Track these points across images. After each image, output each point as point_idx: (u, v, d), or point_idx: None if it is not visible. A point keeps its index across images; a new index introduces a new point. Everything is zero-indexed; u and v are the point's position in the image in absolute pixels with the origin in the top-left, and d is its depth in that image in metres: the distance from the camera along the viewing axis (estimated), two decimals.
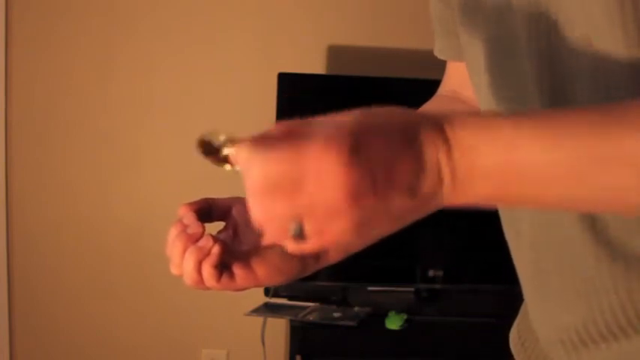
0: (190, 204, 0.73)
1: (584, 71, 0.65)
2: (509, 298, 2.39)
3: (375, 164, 0.49)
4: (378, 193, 0.49)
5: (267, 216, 0.51)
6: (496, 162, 0.50)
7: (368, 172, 0.49)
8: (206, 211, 0.74)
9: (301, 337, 2.22)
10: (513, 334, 0.90)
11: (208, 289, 0.72)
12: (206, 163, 2.30)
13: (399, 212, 0.51)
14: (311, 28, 2.60)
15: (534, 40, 0.68)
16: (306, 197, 0.49)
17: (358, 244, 0.54)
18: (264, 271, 0.71)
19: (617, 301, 0.68)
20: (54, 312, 2.62)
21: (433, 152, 0.50)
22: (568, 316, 0.73)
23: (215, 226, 0.74)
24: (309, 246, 0.51)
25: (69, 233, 2.60)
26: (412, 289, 2.46)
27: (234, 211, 0.76)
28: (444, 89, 0.98)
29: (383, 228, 0.52)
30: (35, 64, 2.55)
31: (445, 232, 2.37)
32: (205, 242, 0.69)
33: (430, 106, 0.96)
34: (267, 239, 0.53)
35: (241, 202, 0.77)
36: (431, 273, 2.40)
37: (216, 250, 0.68)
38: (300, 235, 0.49)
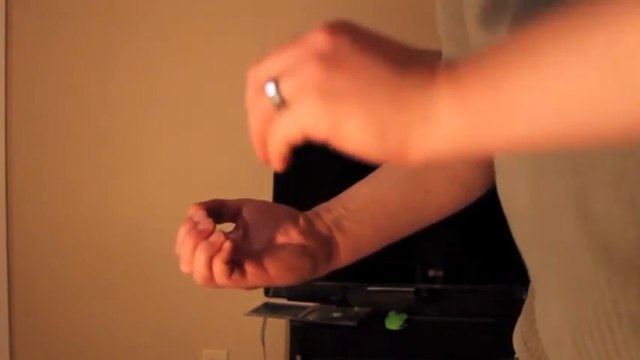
0: (201, 203, 0.73)
1: None
2: (509, 298, 2.40)
3: (359, 36, 0.48)
4: (357, 50, 0.47)
5: (251, 80, 0.50)
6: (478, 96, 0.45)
7: (350, 34, 0.48)
8: (216, 211, 0.74)
9: (301, 337, 2.22)
10: (516, 334, 0.91)
11: (218, 287, 0.71)
12: (205, 163, 2.32)
13: (373, 85, 0.45)
14: (311, 28, 2.60)
15: None
16: (286, 57, 0.49)
17: (328, 121, 0.46)
18: (275, 268, 0.71)
19: (610, 297, 0.68)
20: (54, 312, 2.62)
21: (424, 70, 0.46)
22: (565, 314, 0.73)
23: (224, 228, 0.74)
24: (288, 112, 0.47)
25: (69, 233, 2.60)
26: (412, 289, 2.46)
27: (245, 212, 0.76)
28: None
29: (351, 101, 0.45)
30: (35, 64, 2.55)
31: (445, 232, 2.37)
32: (216, 238, 0.69)
33: None
34: (251, 114, 0.50)
35: (251, 203, 0.77)
36: (431, 273, 2.40)
37: (227, 245, 0.68)
38: (278, 98, 0.47)
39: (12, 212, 2.58)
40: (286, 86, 0.48)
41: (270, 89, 0.48)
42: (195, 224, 0.70)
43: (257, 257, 0.71)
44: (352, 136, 0.46)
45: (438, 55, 0.45)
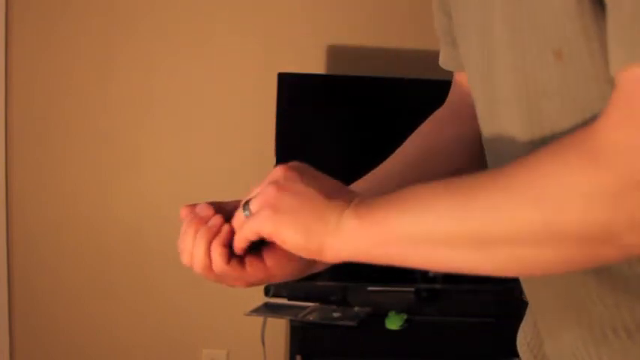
0: (196, 204, 0.75)
1: (553, 89, 0.65)
2: (509, 298, 2.40)
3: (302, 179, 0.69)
4: (293, 189, 0.68)
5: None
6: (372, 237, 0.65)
7: (298, 170, 0.69)
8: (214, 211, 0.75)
9: (301, 337, 2.22)
10: (520, 334, 0.91)
11: (218, 278, 0.72)
12: (205, 163, 2.33)
13: (305, 205, 0.66)
14: (311, 28, 2.60)
15: (510, 55, 0.68)
16: (255, 191, 0.71)
17: (283, 234, 0.67)
18: (273, 260, 0.72)
19: (607, 313, 0.69)
20: (54, 312, 2.62)
21: (343, 200, 0.67)
22: (561, 331, 0.74)
23: None
24: (250, 219, 0.69)
25: (69, 233, 2.60)
26: (412, 289, 2.46)
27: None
28: (451, 98, 0.99)
29: (289, 214, 0.66)
30: (35, 64, 2.55)
31: None
32: (215, 221, 0.71)
33: (427, 127, 0.96)
34: (235, 218, 0.72)
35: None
36: (431, 273, 2.40)
37: (226, 228, 0.71)
38: (246, 212, 0.70)
39: (12, 212, 2.58)
40: (252, 204, 0.69)
41: (244, 207, 0.70)
42: (195, 215, 0.72)
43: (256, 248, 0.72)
44: (287, 238, 0.66)
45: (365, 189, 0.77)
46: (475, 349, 2.26)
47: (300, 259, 0.73)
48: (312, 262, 0.75)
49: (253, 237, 0.68)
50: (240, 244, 0.70)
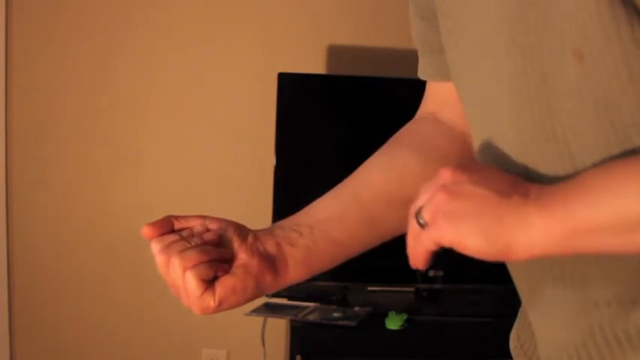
0: (154, 224, 0.86)
1: (572, 89, 0.64)
2: (509, 298, 2.39)
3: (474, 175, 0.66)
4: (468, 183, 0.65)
5: (410, 210, 0.69)
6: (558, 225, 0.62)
7: (466, 170, 0.66)
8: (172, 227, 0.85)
9: (301, 337, 2.21)
10: (513, 337, 0.90)
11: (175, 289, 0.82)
12: (205, 163, 2.32)
13: (481, 207, 0.63)
14: (311, 28, 2.60)
15: (513, 58, 0.68)
16: (426, 192, 0.67)
17: (457, 232, 0.64)
18: (224, 289, 0.82)
19: (614, 317, 0.68)
20: (54, 312, 2.62)
21: (519, 195, 0.64)
22: (567, 334, 0.73)
23: None
24: (428, 229, 0.66)
25: (69, 233, 2.60)
26: (412, 289, 2.46)
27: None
28: (423, 111, 0.97)
29: (466, 220, 0.63)
30: (35, 63, 2.55)
31: None
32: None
33: (413, 127, 0.95)
34: (410, 228, 0.69)
35: (209, 220, 0.83)
36: (431, 273, 2.40)
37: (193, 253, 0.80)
38: (420, 221, 0.67)
39: (12, 212, 2.58)
40: (425, 213, 0.66)
41: (417, 216, 0.67)
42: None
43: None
44: (469, 244, 0.64)
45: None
46: (475, 349, 2.26)
47: (245, 287, 0.80)
48: (257, 288, 0.82)
49: (434, 247, 0.67)
50: (421, 255, 0.68)
